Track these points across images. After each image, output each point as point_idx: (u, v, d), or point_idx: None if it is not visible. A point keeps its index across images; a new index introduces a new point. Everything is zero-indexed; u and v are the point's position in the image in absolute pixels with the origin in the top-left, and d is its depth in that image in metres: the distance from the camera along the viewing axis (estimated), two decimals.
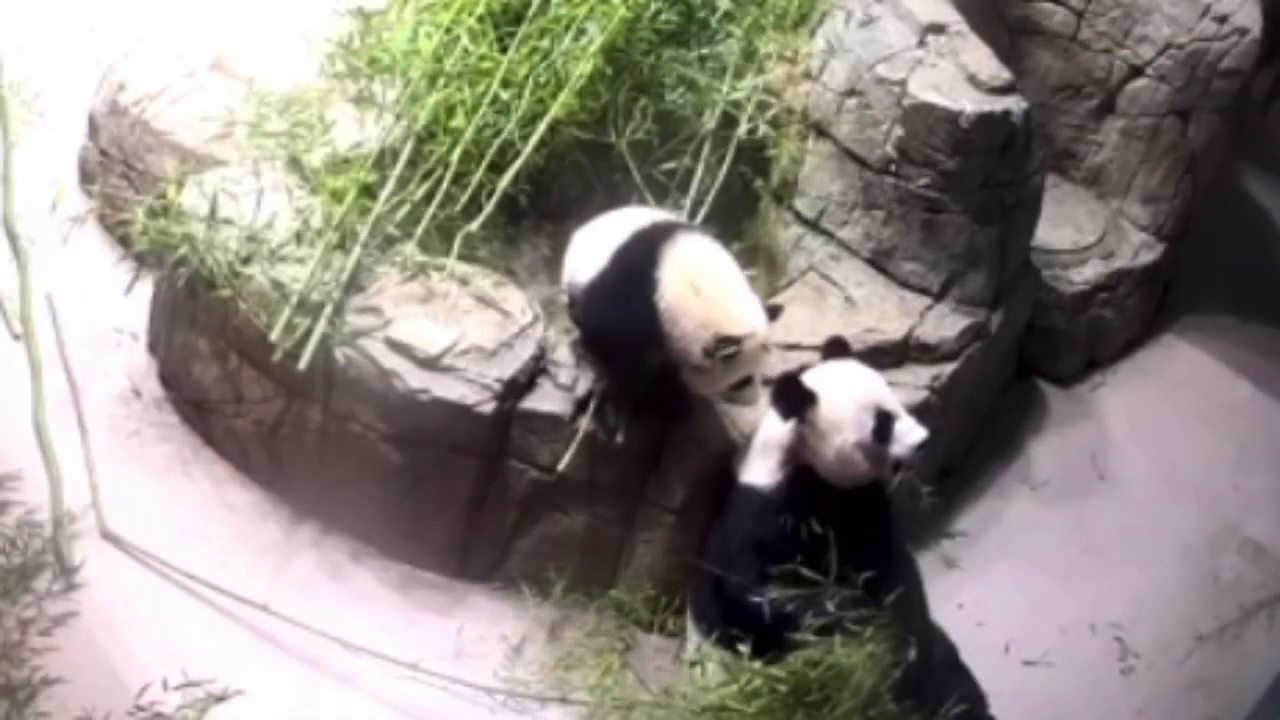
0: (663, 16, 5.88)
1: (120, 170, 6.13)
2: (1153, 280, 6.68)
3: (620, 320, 5.10)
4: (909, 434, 5.00)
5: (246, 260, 5.33)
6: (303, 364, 5.16)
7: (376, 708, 5.03)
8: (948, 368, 5.70)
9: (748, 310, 5.02)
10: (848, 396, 4.99)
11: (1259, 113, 7.31)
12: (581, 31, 5.75)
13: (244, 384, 5.43)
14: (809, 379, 5.02)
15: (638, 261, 5.10)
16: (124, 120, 6.11)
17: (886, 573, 4.93)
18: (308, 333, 5.21)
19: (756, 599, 4.87)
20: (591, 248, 5.33)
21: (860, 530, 4.94)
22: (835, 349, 5.23)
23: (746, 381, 5.09)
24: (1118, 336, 6.66)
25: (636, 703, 5.03)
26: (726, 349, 4.95)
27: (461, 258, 5.51)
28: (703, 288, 5.01)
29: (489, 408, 5.18)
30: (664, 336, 5.02)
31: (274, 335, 5.20)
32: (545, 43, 5.76)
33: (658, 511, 5.32)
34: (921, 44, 5.86)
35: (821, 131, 5.89)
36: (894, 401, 5.07)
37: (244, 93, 5.93)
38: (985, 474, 6.12)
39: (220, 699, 4.83)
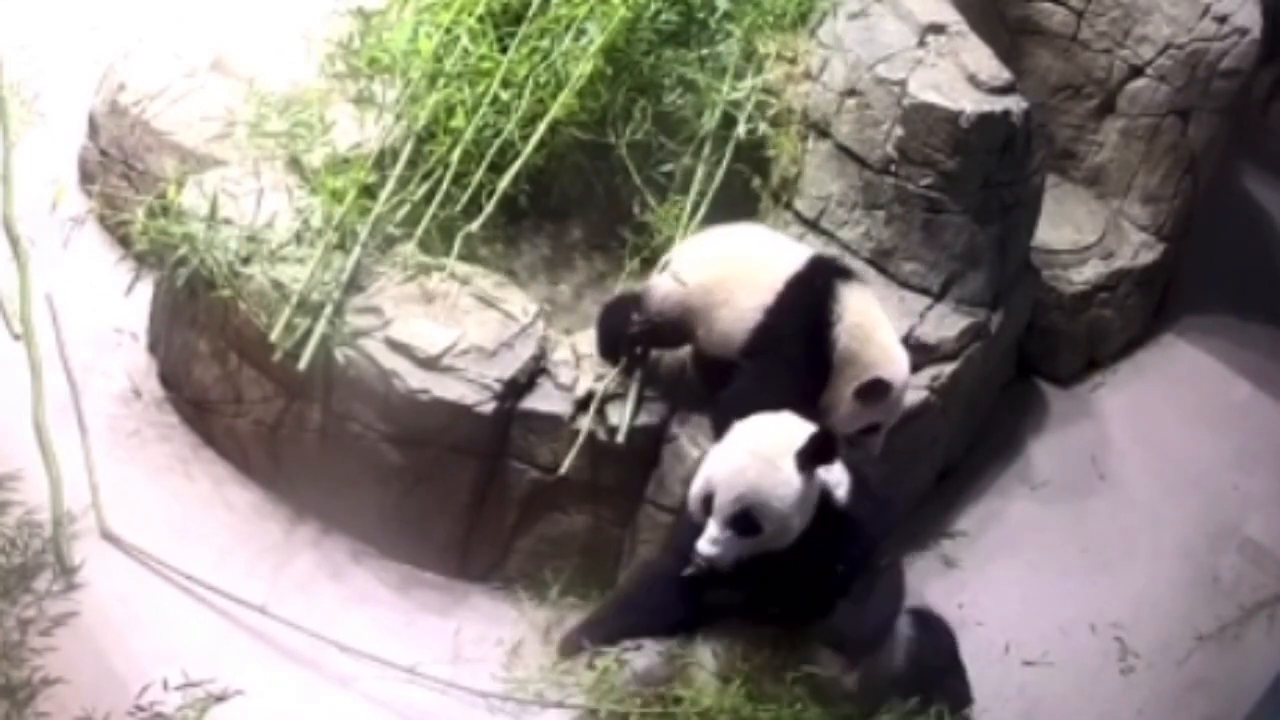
0: (663, 17, 5.88)
1: (120, 170, 6.13)
2: (1153, 280, 6.68)
3: (794, 350, 5.14)
4: (701, 545, 4.65)
5: (246, 260, 5.33)
6: (303, 364, 5.16)
7: (375, 708, 5.03)
8: (948, 368, 5.70)
9: (904, 361, 5.19)
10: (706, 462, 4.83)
11: (1259, 113, 7.31)
12: (581, 32, 5.75)
13: (244, 384, 5.44)
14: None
15: (817, 295, 5.16)
16: (124, 120, 6.11)
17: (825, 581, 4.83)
18: (308, 333, 5.21)
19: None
20: (735, 268, 5.26)
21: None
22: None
23: (875, 428, 5.18)
24: (1118, 336, 6.66)
25: (634, 707, 5.02)
26: (878, 394, 5.11)
27: (462, 258, 5.51)
28: (874, 332, 5.14)
29: (489, 408, 5.19)
30: (829, 371, 5.12)
31: (274, 335, 5.20)
32: (545, 43, 5.77)
33: (658, 511, 5.32)
34: (921, 44, 5.86)
35: (821, 131, 5.89)
36: (725, 497, 4.63)
37: (244, 93, 5.94)
38: (985, 474, 6.12)
39: (220, 699, 4.83)
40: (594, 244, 6.01)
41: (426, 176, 5.61)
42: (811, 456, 4.60)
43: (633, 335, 5.29)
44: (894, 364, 5.16)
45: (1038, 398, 6.46)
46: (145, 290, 5.70)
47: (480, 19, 5.79)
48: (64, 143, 6.38)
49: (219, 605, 5.18)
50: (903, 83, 5.71)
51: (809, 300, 5.16)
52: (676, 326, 5.27)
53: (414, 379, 5.18)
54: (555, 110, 5.67)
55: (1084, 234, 6.57)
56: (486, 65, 5.72)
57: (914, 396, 5.57)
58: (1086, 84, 6.62)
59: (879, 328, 5.19)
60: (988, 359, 5.90)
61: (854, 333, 5.13)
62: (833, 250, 5.85)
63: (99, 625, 5.05)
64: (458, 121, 5.64)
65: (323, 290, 5.29)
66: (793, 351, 5.15)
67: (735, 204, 5.82)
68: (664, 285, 5.30)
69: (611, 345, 5.34)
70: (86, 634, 5.02)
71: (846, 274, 5.27)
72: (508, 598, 5.43)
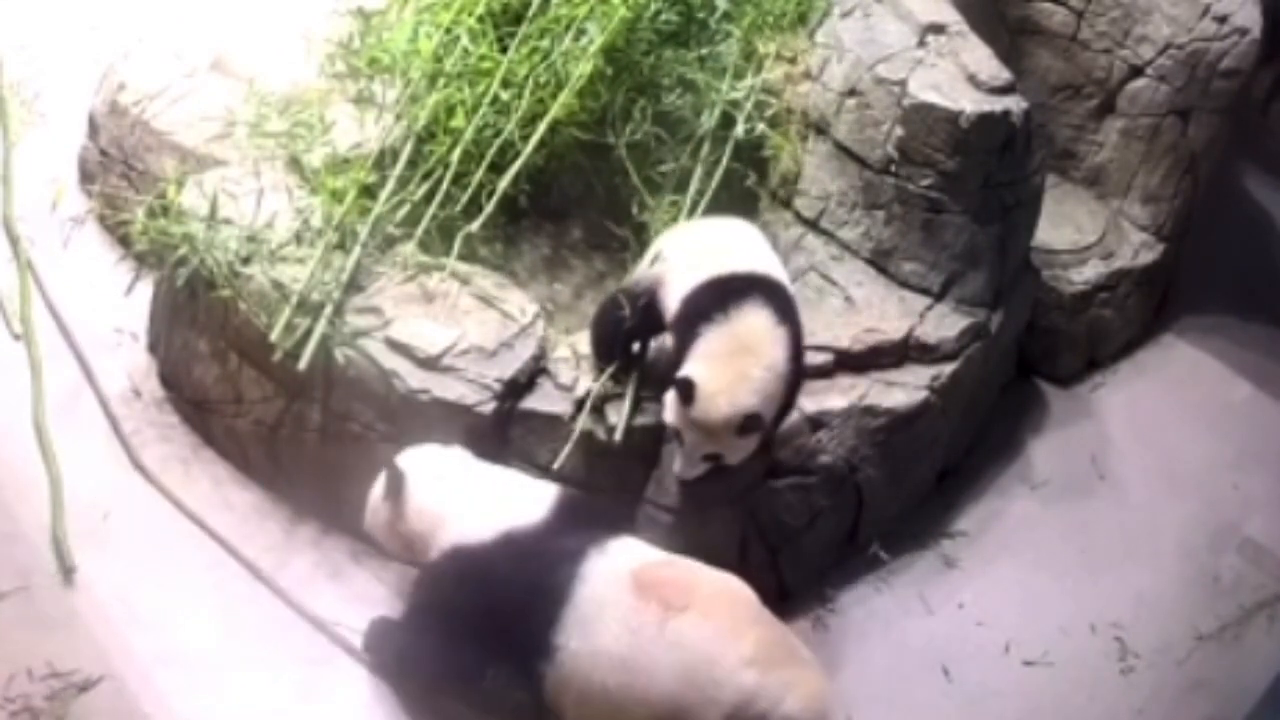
0: (662, 17, 5.89)
1: (120, 170, 6.13)
2: (1153, 280, 6.68)
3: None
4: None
5: (246, 260, 5.33)
6: (303, 364, 5.16)
7: (375, 708, 5.03)
8: (948, 368, 5.70)
9: (738, 396, 5.03)
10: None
11: (1259, 113, 7.31)
12: (581, 32, 5.75)
13: (244, 384, 5.44)
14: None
15: (709, 305, 5.16)
16: (124, 120, 6.11)
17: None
18: (308, 333, 5.21)
19: None
20: (698, 257, 5.29)
21: None
22: None
23: (715, 458, 5.12)
24: (1118, 336, 6.66)
25: None
26: (684, 392, 5.03)
27: (461, 258, 5.51)
28: (731, 358, 5.06)
29: (489, 408, 5.19)
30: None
31: (274, 335, 5.20)
32: (545, 43, 5.77)
33: (658, 511, 5.32)
34: (921, 44, 5.86)
35: (821, 131, 5.90)
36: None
37: (244, 93, 5.94)
38: (985, 474, 6.11)
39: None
40: (594, 244, 6.01)
41: (426, 176, 5.61)
42: None
43: (627, 331, 5.29)
44: (708, 395, 4.99)
45: (1038, 398, 6.45)
46: (145, 290, 5.71)
47: (480, 19, 5.79)
48: (64, 143, 6.39)
49: (218, 605, 5.19)
50: (903, 83, 5.71)
51: (702, 307, 5.12)
52: (655, 307, 5.29)
53: (414, 379, 5.18)
54: (555, 110, 5.67)
55: (1084, 234, 6.56)
56: (486, 65, 5.73)
57: (914, 396, 5.59)
58: (1086, 84, 6.62)
59: (740, 357, 5.03)
60: (988, 359, 5.90)
61: (711, 346, 5.06)
62: (832, 250, 5.87)
63: (99, 625, 5.05)
64: (458, 121, 5.64)
65: (323, 290, 5.29)
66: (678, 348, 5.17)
67: (735, 204, 5.82)
68: (649, 273, 5.33)
69: (607, 345, 5.34)
70: (86, 634, 5.02)
71: (751, 297, 5.10)
72: None
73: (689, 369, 5.04)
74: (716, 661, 4.61)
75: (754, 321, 5.08)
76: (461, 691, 4.97)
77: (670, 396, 5.07)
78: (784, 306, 5.16)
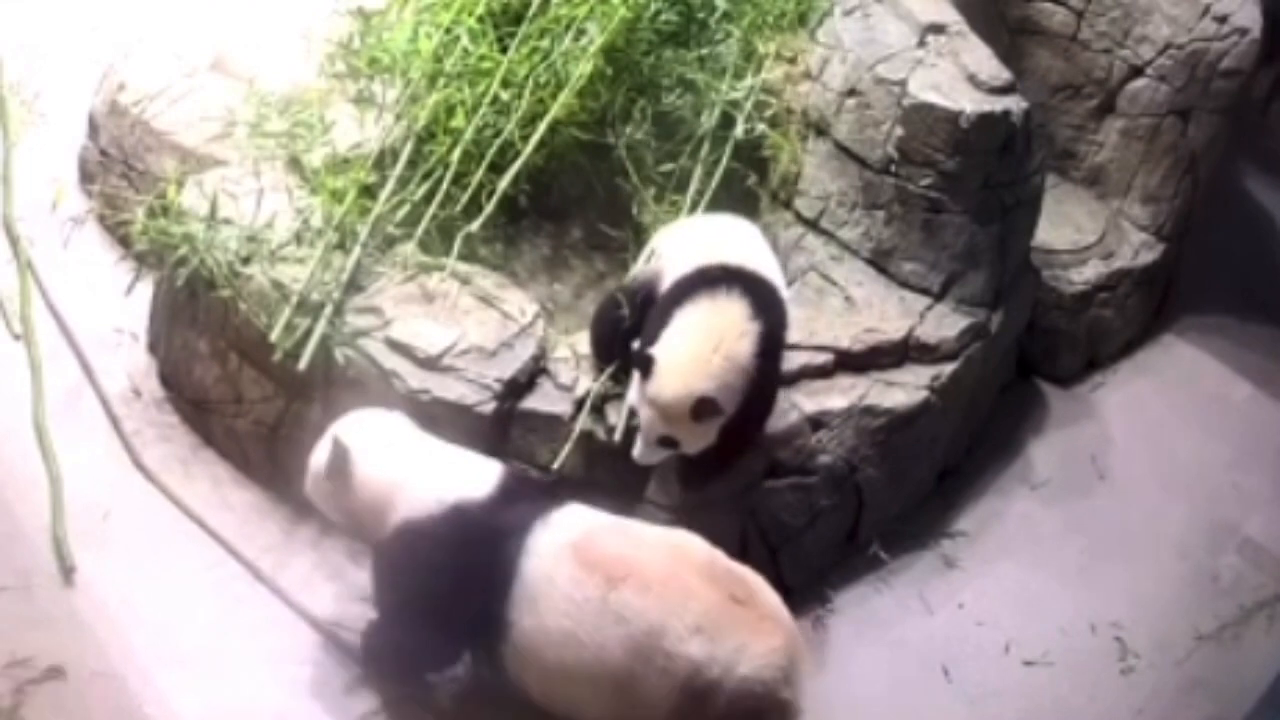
0: (662, 17, 5.89)
1: (120, 170, 6.13)
2: (1153, 280, 6.68)
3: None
4: None
5: (246, 260, 5.33)
6: (303, 364, 5.16)
7: (375, 708, 5.03)
8: (948, 368, 5.70)
9: (677, 383, 5.02)
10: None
11: (1259, 113, 7.30)
12: (581, 32, 5.75)
13: (244, 384, 5.44)
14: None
15: (681, 296, 5.22)
16: (124, 120, 6.11)
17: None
18: (308, 333, 5.21)
19: None
20: (690, 250, 5.32)
21: None
22: None
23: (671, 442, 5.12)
24: (1118, 336, 6.66)
25: None
26: (644, 366, 5.05)
27: (462, 258, 5.51)
28: (682, 345, 5.07)
29: (489, 408, 5.19)
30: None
31: (274, 335, 5.20)
32: (545, 43, 5.77)
33: (658, 511, 5.32)
34: (921, 44, 5.86)
35: (821, 131, 5.90)
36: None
37: (244, 93, 5.94)
38: (985, 474, 6.11)
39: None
40: (594, 244, 6.01)
41: (426, 176, 5.61)
42: None
43: (626, 331, 5.29)
44: (665, 373, 4.99)
45: (1038, 398, 6.45)
46: (145, 290, 5.71)
47: (480, 19, 5.79)
48: (64, 143, 6.39)
49: (218, 605, 5.19)
50: (903, 83, 5.71)
51: (682, 292, 5.15)
52: (652, 304, 5.30)
53: (414, 379, 5.18)
54: (555, 110, 5.67)
55: (1084, 234, 6.56)
56: (486, 65, 5.72)
57: (914, 396, 5.59)
58: (1086, 84, 6.62)
59: (704, 343, 5.02)
60: (988, 359, 5.90)
61: (680, 328, 5.06)
62: (832, 250, 5.86)
63: (99, 625, 5.06)
64: (458, 121, 5.64)
65: (323, 290, 5.29)
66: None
67: (735, 204, 5.82)
68: (645, 270, 5.35)
69: (607, 345, 5.34)
70: (86, 634, 5.02)
71: (731, 288, 5.10)
72: None
73: (654, 348, 5.04)
74: (663, 634, 4.58)
75: (728, 312, 5.05)
76: (438, 677, 4.97)
77: (635, 375, 5.08)
78: (764, 303, 5.13)
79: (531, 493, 4.89)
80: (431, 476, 4.83)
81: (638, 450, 5.11)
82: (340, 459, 4.84)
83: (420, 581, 4.80)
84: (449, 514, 4.76)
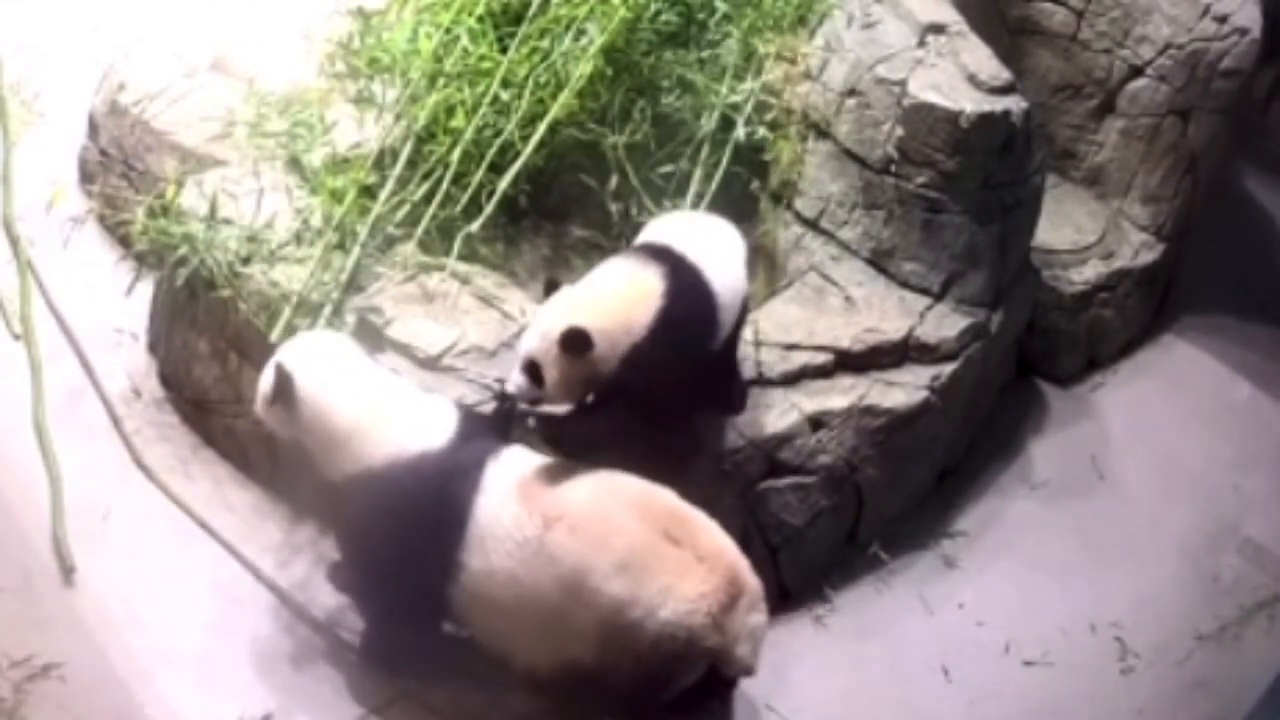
0: (662, 18, 5.88)
1: (120, 170, 6.14)
2: (1153, 280, 6.67)
3: None
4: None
5: (246, 260, 5.34)
6: None
7: (375, 708, 5.03)
8: (948, 368, 5.70)
9: (545, 327, 4.93)
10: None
11: (1259, 113, 7.30)
12: (581, 32, 5.75)
13: (244, 384, 5.43)
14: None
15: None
16: (124, 120, 6.12)
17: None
18: None
19: None
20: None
21: None
22: None
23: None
24: (1118, 336, 6.65)
25: None
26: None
27: (462, 258, 5.51)
28: (590, 296, 5.01)
29: (489, 408, 5.18)
30: None
31: (274, 335, 5.20)
32: (545, 43, 5.76)
33: None
34: (921, 44, 5.86)
35: (821, 132, 5.89)
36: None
37: (244, 93, 5.94)
38: (985, 474, 6.11)
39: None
40: (594, 244, 6.00)
41: (426, 176, 5.61)
42: None
43: None
44: (559, 299, 4.94)
45: (1038, 398, 6.45)
46: (145, 290, 5.71)
47: (480, 19, 5.78)
48: (64, 143, 6.39)
49: (218, 605, 5.19)
50: (903, 83, 5.71)
51: (622, 252, 5.21)
52: None
53: (414, 379, 5.18)
54: (555, 110, 5.67)
55: (1084, 234, 6.56)
56: (486, 65, 5.72)
57: (914, 396, 5.58)
58: (1086, 84, 6.62)
59: (608, 293, 4.94)
60: (988, 359, 5.90)
61: (598, 274, 5.02)
62: (832, 250, 5.86)
63: (99, 625, 5.06)
64: (458, 121, 5.64)
65: (323, 290, 5.30)
66: None
67: (734, 204, 5.82)
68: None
69: None
70: (86, 634, 5.02)
71: (661, 266, 5.00)
72: None
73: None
74: (589, 571, 4.57)
75: (645, 282, 4.96)
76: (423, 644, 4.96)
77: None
78: (685, 293, 5.00)
79: (484, 430, 4.89)
80: (390, 422, 4.77)
81: (511, 379, 4.96)
82: (284, 385, 4.77)
83: (387, 532, 4.76)
84: (414, 464, 4.72)
